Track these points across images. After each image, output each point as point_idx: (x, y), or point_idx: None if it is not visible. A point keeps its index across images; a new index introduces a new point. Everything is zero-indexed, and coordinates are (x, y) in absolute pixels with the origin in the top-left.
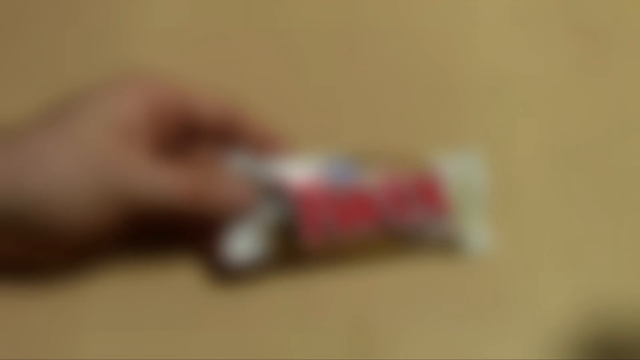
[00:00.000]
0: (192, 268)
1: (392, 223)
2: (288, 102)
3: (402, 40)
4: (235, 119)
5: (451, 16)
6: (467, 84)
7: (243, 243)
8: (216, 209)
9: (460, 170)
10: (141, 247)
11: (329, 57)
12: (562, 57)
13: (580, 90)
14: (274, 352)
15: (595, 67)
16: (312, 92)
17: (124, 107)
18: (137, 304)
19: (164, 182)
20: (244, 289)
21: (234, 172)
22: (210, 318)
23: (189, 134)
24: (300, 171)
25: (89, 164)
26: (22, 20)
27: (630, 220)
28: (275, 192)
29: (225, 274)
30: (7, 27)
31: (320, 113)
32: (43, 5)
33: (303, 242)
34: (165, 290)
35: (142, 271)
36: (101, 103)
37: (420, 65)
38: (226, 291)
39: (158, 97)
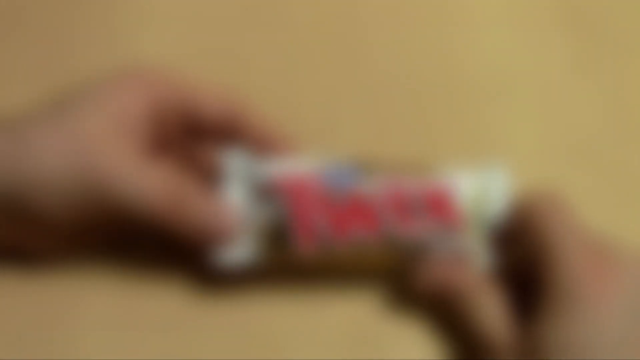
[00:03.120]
0: (191, 270)
1: (394, 234)
2: (289, 103)
3: (402, 40)
4: (238, 117)
5: (450, 17)
6: (466, 84)
7: (235, 249)
8: (192, 228)
9: (479, 185)
10: (138, 248)
11: (329, 59)
12: (562, 56)
13: (579, 89)
14: (272, 353)
15: (594, 65)
16: (313, 94)
17: (123, 103)
18: (136, 305)
19: (144, 188)
20: (243, 291)
21: (228, 170)
22: (208, 320)
23: (192, 131)
24: (296, 172)
25: (77, 157)
26: (27, 15)
27: (630, 219)
28: (269, 192)
29: (216, 277)
30: (10, 22)
31: (321, 114)
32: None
33: (295, 247)
34: (164, 291)
35: (140, 272)
36: (101, 98)
37: (420, 65)
38: (224, 294)
39: (159, 94)
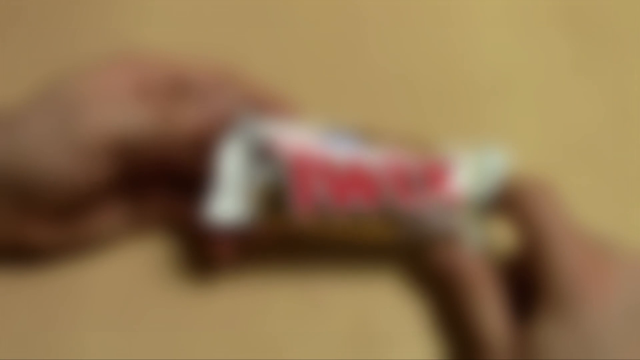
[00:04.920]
0: (192, 268)
1: (393, 206)
2: (286, 85)
3: (401, 40)
4: (228, 81)
5: (450, 16)
6: (466, 83)
7: (227, 204)
8: (194, 121)
9: (478, 164)
10: (141, 247)
11: (328, 56)
12: (562, 56)
13: (579, 89)
14: (275, 351)
15: (594, 65)
16: (313, 93)
17: (108, 80)
18: (136, 305)
19: (133, 112)
20: (241, 289)
21: (227, 153)
22: (211, 318)
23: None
24: (298, 136)
25: (60, 115)
26: (25, 11)
27: (629, 218)
28: (268, 154)
29: (204, 244)
30: (9, 17)
31: (321, 113)
32: None
33: (292, 210)
34: (163, 290)
35: (140, 272)
36: (88, 76)
37: (419, 65)
38: (226, 292)
39: (146, 75)
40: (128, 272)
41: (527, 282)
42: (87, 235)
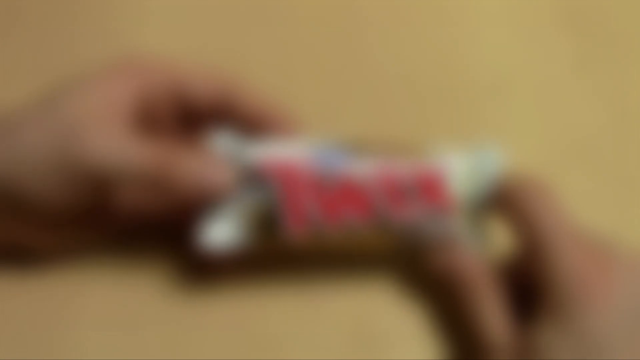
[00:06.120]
0: (193, 270)
1: (386, 217)
2: (290, 103)
3: (402, 41)
4: (230, 95)
5: (450, 16)
6: (465, 83)
7: (221, 229)
8: (184, 185)
9: (471, 167)
10: (136, 246)
11: (329, 55)
12: (562, 56)
13: (579, 89)
14: (275, 353)
15: (594, 65)
16: (313, 91)
17: (109, 90)
18: (134, 305)
19: (128, 152)
20: (238, 288)
21: (217, 153)
22: (211, 320)
23: (187, 117)
24: (286, 156)
25: (60, 137)
26: (26, 13)
27: (629, 218)
28: (258, 176)
29: (201, 262)
30: (10, 18)
31: (321, 111)
32: None
33: (285, 231)
34: (161, 290)
35: (138, 271)
36: (87, 87)
37: (419, 65)
38: (227, 294)
39: (147, 80)
40: (128, 273)
41: (528, 284)
42: (85, 238)
